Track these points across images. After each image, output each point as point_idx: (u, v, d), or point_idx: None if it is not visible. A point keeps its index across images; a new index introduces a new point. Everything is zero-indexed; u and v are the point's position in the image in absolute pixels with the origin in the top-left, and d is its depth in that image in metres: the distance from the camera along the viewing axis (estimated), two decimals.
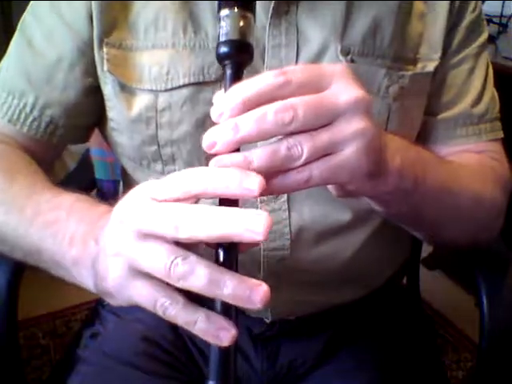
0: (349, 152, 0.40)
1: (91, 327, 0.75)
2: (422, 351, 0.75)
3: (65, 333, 1.63)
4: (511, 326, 0.67)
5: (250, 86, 0.39)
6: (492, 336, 0.67)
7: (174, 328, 0.72)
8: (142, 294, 0.40)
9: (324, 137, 0.39)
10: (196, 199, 0.39)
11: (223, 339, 0.37)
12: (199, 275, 0.36)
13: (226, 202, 0.38)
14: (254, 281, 0.37)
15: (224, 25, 0.42)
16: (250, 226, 0.35)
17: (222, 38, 0.42)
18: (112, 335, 0.72)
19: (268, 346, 0.71)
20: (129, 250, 0.39)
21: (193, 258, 0.37)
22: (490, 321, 0.66)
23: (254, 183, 0.36)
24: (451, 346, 1.64)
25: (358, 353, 0.71)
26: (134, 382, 0.65)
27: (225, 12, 0.42)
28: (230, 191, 0.37)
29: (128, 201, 0.41)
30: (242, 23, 0.42)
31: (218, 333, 0.37)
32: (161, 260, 0.37)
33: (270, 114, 0.37)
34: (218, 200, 0.39)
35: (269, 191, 0.41)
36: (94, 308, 0.79)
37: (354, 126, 0.40)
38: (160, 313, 0.39)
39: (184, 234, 0.36)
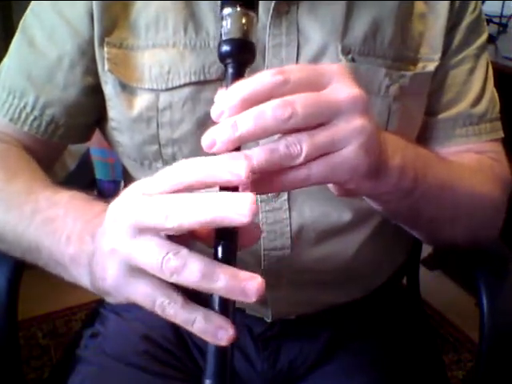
0: (348, 150, 0.40)
1: (91, 327, 0.74)
2: (422, 351, 0.75)
3: (65, 333, 1.63)
4: (511, 327, 0.67)
5: (248, 84, 0.38)
6: (492, 336, 0.67)
7: (175, 327, 0.72)
8: (141, 293, 0.40)
9: (323, 135, 0.39)
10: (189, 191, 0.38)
11: (222, 339, 0.37)
12: (192, 269, 0.36)
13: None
14: (247, 273, 0.36)
15: (226, 24, 0.42)
16: (235, 207, 0.35)
17: (224, 37, 0.42)
18: (112, 335, 0.72)
19: (268, 346, 0.71)
20: (124, 247, 0.39)
21: (185, 251, 0.37)
22: (489, 321, 0.66)
23: (241, 167, 0.36)
24: (451, 346, 1.64)
25: (358, 353, 0.71)
26: (135, 382, 0.65)
27: (227, 11, 0.42)
28: (217, 178, 0.36)
29: (121, 199, 0.40)
30: (244, 22, 0.41)
31: (217, 332, 0.37)
32: (154, 255, 0.37)
33: (268, 110, 0.37)
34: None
35: (269, 189, 0.40)
36: (94, 308, 0.79)
37: (352, 123, 0.40)
38: (159, 312, 0.39)
39: (173, 223, 0.36)
